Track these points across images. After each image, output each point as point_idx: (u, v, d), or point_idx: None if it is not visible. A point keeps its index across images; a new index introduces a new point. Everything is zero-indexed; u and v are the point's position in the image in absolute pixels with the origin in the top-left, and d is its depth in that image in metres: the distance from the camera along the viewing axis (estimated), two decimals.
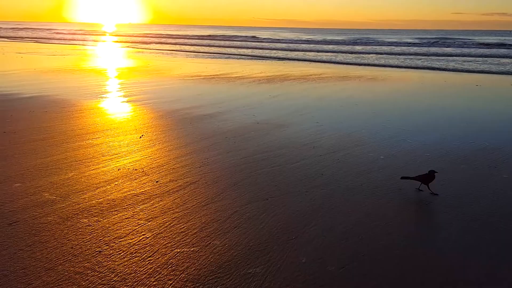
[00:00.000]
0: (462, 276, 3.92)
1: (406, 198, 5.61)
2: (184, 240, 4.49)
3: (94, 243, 4.39)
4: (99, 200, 5.42)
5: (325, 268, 4.02)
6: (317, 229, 4.73)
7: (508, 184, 6.09)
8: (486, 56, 30.22)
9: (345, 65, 25.22)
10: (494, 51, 35.42)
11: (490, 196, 5.69)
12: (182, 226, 4.79)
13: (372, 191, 5.82)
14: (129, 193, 5.67)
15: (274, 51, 36.94)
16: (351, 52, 35.04)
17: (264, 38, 63.53)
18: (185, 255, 4.21)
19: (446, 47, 41.19)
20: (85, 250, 4.26)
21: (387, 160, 7.12)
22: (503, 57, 29.20)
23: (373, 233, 4.67)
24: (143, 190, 5.78)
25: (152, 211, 5.16)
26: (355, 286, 3.77)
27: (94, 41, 56.58)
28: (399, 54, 33.08)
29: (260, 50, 38.85)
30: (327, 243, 4.45)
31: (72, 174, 6.28)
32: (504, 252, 4.33)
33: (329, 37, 67.82)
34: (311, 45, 46.16)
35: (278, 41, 57.56)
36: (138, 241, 4.45)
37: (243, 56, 32.99)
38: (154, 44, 48.71)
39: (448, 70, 21.71)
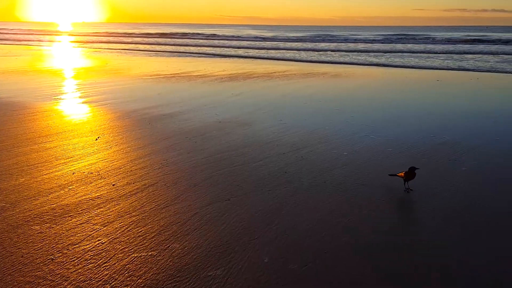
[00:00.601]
0: (425, 270, 3.91)
1: (369, 194, 5.59)
2: (142, 244, 4.31)
3: (46, 251, 4.17)
4: (52, 206, 5.17)
5: (287, 267, 3.93)
6: (280, 228, 4.64)
7: (468, 177, 6.18)
8: (449, 52, 31.00)
9: (309, 63, 25.34)
10: (458, 46, 36.51)
11: (450, 189, 5.75)
12: (140, 230, 4.60)
13: (335, 187, 5.78)
14: (84, 197, 5.44)
15: (235, 49, 36.79)
16: (315, 50, 35.30)
17: (226, 36, 63.33)
18: (143, 259, 4.05)
19: (409, 44, 42.05)
20: (37, 259, 4.04)
21: (350, 156, 7.12)
22: (468, 53, 30.00)
23: (336, 230, 4.61)
24: (99, 194, 5.55)
25: (108, 215, 4.95)
26: (317, 284, 3.70)
27: (49, 41, 54.82)
28: (362, 51, 33.56)
29: (223, 48, 38.66)
30: (289, 242, 4.36)
31: (23, 179, 5.97)
32: (465, 245, 4.35)
33: (292, 34, 68.45)
34: (275, 43, 46.37)
35: (241, 38, 57.53)
36: (93, 247, 4.26)
37: (205, 54, 32.70)
38: (112, 43, 47.63)
39: (409, 67, 22.13)
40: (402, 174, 5.67)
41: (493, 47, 34.75)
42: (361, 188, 5.76)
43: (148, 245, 4.31)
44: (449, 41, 43.84)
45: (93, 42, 51.90)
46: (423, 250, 4.24)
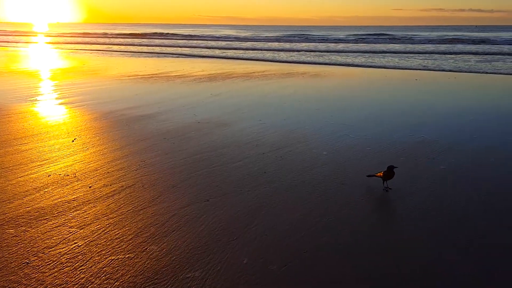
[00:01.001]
0: (405, 269, 3.93)
1: (349, 193, 5.62)
2: (119, 247, 4.25)
3: (21, 255, 4.09)
4: (27, 209, 5.06)
5: (267, 267, 3.92)
6: (259, 228, 4.63)
7: (446, 175, 6.26)
8: (428, 52, 31.35)
9: (288, 63, 25.38)
10: (438, 46, 37.02)
11: (429, 187, 5.82)
12: (117, 232, 4.53)
13: (315, 187, 5.79)
14: (60, 200, 5.34)
15: (214, 50, 36.66)
16: (294, 50, 35.38)
17: (205, 36, 63.09)
18: (120, 262, 3.99)
19: (390, 44, 42.44)
20: (11, 263, 3.96)
21: (329, 155, 7.14)
22: (448, 54, 30.37)
23: (315, 230, 4.62)
24: (75, 196, 5.45)
25: (85, 218, 4.86)
26: (297, 284, 3.70)
27: (25, 42, 53.74)
28: (342, 51, 33.80)
29: (202, 49, 38.48)
30: (269, 242, 4.35)
31: None
32: (443, 242, 4.40)
33: (271, 34, 68.53)
34: (254, 43, 46.32)
35: (221, 38, 57.37)
36: (70, 250, 4.19)
37: (183, 55, 32.47)
38: (89, 44, 46.95)
39: (389, 68, 22.34)
40: (381, 174, 5.71)
41: (473, 47, 35.33)
42: (341, 188, 5.78)
43: (125, 247, 4.24)
44: (429, 41, 44.34)
45: (69, 43, 51.06)
46: (402, 250, 4.27)
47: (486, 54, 28.96)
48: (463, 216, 4.95)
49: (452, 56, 28.43)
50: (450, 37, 48.98)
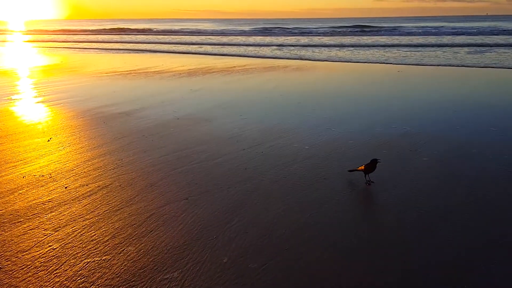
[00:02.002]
0: (386, 265, 3.90)
1: (331, 187, 5.57)
2: (95, 249, 4.13)
3: None
4: (1, 211, 4.94)
5: (247, 266, 3.84)
6: (239, 226, 4.55)
7: (428, 167, 6.26)
8: (412, 45, 31.42)
9: (269, 58, 25.26)
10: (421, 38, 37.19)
11: (412, 179, 5.80)
12: (93, 234, 4.41)
13: (296, 182, 5.73)
14: (34, 201, 5.19)
15: (194, 45, 36.35)
16: (275, 44, 35.26)
17: (185, 30, 62.63)
18: (96, 264, 3.88)
19: (374, 36, 42.48)
20: None
21: (311, 150, 7.09)
22: (432, 46, 30.43)
23: (297, 226, 4.55)
24: (51, 197, 5.30)
25: (60, 219, 4.73)
26: (278, 282, 3.63)
27: (0, 40, 52.59)
28: (327, 46, 33.79)
29: (182, 44, 38.09)
30: (249, 240, 4.27)
31: None
32: (425, 233, 4.38)
33: (253, 27, 68.17)
34: (235, 37, 46.03)
35: (201, 33, 56.86)
36: (44, 254, 4.08)
37: (163, 51, 32.04)
38: (67, 42, 46.11)
39: (371, 63, 22.37)
40: (363, 167, 5.67)
41: (462, 39, 35.57)
42: (323, 182, 5.73)
43: (101, 249, 4.13)
44: (408, 33, 44.54)
45: (47, 41, 50.09)
46: (386, 243, 4.24)
47: (477, 46, 29.07)
48: (446, 207, 4.94)
49: (440, 48, 28.46)
50: (431, 29, 49.28)
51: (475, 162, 6.42)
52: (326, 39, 39.64)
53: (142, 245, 4.19)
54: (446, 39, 34.82)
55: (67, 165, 6.45)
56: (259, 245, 4.19)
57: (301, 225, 4.58)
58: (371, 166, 5.59)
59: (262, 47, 32.99)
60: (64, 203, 5.15)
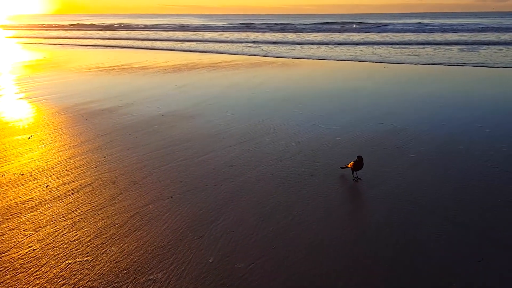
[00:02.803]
0: (373, 264, 3.85)
1: (318, 184, 5.51)
2: (77, 249, 4.02)
3: None
4: None
5: (233, 266, 3.76)
6: (225, 225, 4.46)
7: (415, 163, 6.24)
8: (402, 43, 31.55)
9: (256, 56, 25.14)
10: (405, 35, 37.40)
11: (398, 175, 5.78)
12: (75, 234, 4.29)
13: (283, 179, 5.66)
14: (14, 201, 5.05)
15: (178, 41, 36.04)
16: (263, 41, 35.14)
17: (170, 26, 62.09)
18: (78, 265, 3.77)
19: (365, 32, 42.57)
20: None
21: (298, 146, 7.03)
22: (421, 44, 30.61)
23: (284, 224, 4.48)
24: (31, 196, 5.16)
25: (41, 219, 4.60)
26: (265, 282, 3.55)
27: None
28: (315, 43, 33.77)
29: (166, 40, 37.74)
30: (236, 239, 4.19)
31: None
32: (413, 229, 4.35)
33: (239, 22, 67.95)
34: (220, 33, 45.77)
35: (186, 28, 56.45)
36: (24, 255, 3.96)
37: (147, 47, 31.74)
38: (51, 38, 45.35)
39: (358, 61, 22.41)
40: (351, 164, 5.63)
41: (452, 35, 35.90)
42: (310, 179, 5.67)
43: (83, 250, 4.02)
44: (398, 30, 44.67)
45: (29, 37, 49.22)
46: (374, 240, 4.19)
47: (469, 44, 29.34)
48: (433, 204, 4.92)
49: (428, 46, 28.66)
50: (418, 24, 49.59)
51: (462, 158, 6.42)
52: (314, 36, 39.61)
53: (126, 245, 4.09)
54: (425, 36, 35.07)
55: (48, 163, 6.29)
56: (245, 244, 4.11)
57: (288, 223, 4.51)
58: (358, 163, 5.56)
59: (250, 44, 32.83)
60: (45, 202, 5.01)
